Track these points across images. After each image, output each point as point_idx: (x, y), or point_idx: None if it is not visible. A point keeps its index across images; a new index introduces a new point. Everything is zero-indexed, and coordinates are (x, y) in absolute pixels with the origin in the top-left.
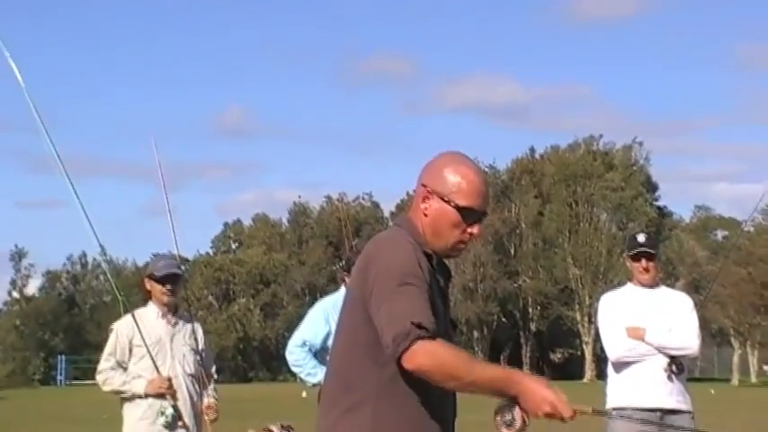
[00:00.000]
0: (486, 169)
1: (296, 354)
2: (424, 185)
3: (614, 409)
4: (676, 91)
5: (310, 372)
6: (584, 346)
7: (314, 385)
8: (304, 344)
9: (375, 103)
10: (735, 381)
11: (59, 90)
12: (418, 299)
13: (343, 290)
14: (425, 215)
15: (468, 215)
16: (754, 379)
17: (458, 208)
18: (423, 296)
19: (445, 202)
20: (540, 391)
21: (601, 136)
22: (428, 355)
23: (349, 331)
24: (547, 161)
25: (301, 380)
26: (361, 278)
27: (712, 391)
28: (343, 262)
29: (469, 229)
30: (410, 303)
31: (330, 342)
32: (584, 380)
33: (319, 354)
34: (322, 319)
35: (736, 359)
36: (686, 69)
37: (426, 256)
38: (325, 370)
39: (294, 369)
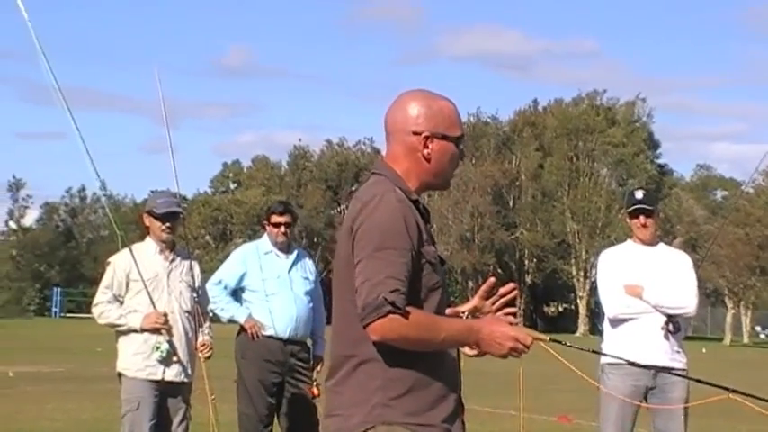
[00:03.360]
0: (489, 120)
1: (212, 291)
2: (417, 133)
3: (609, 364)
4: (681, 49)
5: (224, 307)
6: (579, 301)
7: (229, 321)
8: (219, 282)
9: (377, 48)
10: (727, 341)
11: (60, 20)
12: (395, 264)
13: (265, 237)
14: (428, 161)
15: (461, 142)
16: (746, 339)
17: (455, 139)
18: (401, 260)
19: (442, 139)
20: (498, 330)
21: (604, 91)
22: (393, 331)
23: (347, 292)
24: (549, 114)
25: (216, 315)
26: (348, 238)
27: (704, 350)
28: (342, 207)
29: (460, 156)
30: (384, 271)
31: (245, 282)
32: (577, 334)
33: (236, 293)
34: (240, 261)
35: (729, 319)
36: (692, 27)
37: (414, 203)
38: (238, 307)
39: (210, 306)
